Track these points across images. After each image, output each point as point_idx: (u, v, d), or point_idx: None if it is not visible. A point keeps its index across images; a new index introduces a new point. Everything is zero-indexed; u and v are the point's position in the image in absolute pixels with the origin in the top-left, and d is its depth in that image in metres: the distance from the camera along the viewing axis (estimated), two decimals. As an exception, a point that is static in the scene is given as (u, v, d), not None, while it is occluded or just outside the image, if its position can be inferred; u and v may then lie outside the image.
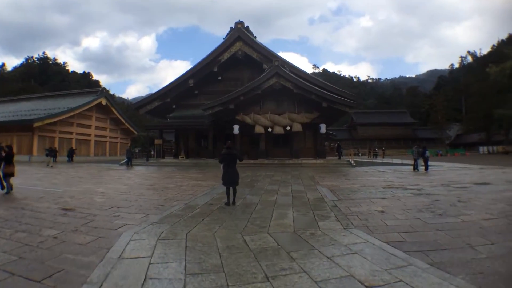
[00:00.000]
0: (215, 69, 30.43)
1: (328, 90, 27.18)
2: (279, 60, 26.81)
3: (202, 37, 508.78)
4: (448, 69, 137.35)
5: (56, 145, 34.86)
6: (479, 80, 66.93)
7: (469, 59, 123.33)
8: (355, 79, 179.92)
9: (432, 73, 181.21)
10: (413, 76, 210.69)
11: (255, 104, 27.90)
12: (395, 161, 31.32)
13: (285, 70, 26.43)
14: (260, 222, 6.40)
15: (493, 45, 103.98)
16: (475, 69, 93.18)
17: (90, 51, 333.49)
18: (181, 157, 29.96)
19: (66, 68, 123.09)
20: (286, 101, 28.13)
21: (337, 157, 31.04)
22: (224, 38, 31.08)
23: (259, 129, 27.26)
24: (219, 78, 31.73)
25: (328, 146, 41.65)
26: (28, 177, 15.58)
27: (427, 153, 21.45)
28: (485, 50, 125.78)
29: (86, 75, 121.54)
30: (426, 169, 20.33)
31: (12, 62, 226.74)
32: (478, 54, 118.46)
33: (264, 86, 26.33)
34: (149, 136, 38.45)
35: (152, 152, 35.82)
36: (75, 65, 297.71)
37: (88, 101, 39.75)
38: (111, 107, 44.02)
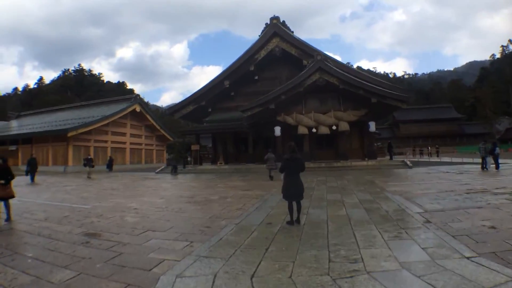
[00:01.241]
0: (252, 68, 28.63)
1: (375, 84, 24.74)
2: (321, 54, 24.63)
3: (233, 41, 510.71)
4: (489, 60, 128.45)
5: (92, 154, 34.32)
6: None
7: (511, 47, 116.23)
8: (390, 75, 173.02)
9: (472, 65, 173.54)
10: (451, 69, 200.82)
11: (297, 103, 25.83)
12: (454, 160, 28.34)
13: (328, 64, 24.25)
14: (346, 252, 4.47)
15: None
16: None
17: (124, 61, 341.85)
18: (220, 163, 28.31)
19: (101, 78, 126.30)
20: (330, 99, 25.90)
21: (389, 158, 28.36)
22: (259, 36, 29.31)
23: (302, 130, 25.16)
24: (256, 77, 29.88)
25: (375, 146, 38.70)
26: (58, 190, 14.38)
27: (497, 150, 18.80)
28: None
29: (121, 85, 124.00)
30: (497, 167, 17.80)
31: (50, 75, 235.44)
32: None
33: (307, 83, 24.23)
34: (185, 142, 37.16)
35: (189, 159, 34.51)
36: (110, 76, 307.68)
37: (122, 109, 39.00)
38: (145, 114, 43.17)
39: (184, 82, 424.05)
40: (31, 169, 18.84)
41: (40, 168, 30.33)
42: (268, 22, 28.72)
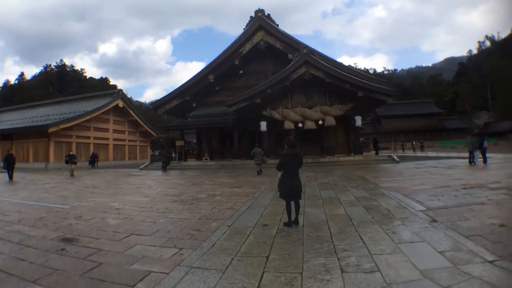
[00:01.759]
0: (236, 62, 28.05)
1: (361, 79, 24.48)
2: (307, 48, 24.20)
3: (217, 37, 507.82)
4: (466, 56, 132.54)
5: (74, 151, 33.31)
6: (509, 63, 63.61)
7: (487, 43, 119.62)
8: (371, 71, 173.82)
9: (449, 61, 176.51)
10: (430, 65, 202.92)
11: (283, 97, 25.43)
12: (440, 154, 28.49)
13: (314, 57, 23.87)
14: (357, 259, 4.07)
15: None
16: (495, 53, 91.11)
17: (106, 57, 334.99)
18: (205, 159, 27.65)
19: (84, 74, 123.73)
20: (317, 93, 25.56)
21: (375, 153, 28.23)
22: (244, 29, 28.75)
23: (288, 125, 24.77)
24: (241, 72, 29.37)
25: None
26: (37, 189, 13.64)
27: (485, 144, 18.93)
28: (504, 33, 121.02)
29: (104, 81, 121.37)
30: (485, 161, 17.94)
31: (32, 71, 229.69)
32: (496, 38, 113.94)
33: (293, 77, 23.81)
34: (169, 137, 36.33)
35: (173, 155, 33.81)
36: (93, 71, 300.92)
37: (104, 104, 37.92)
38: (128, 109, 42.12)
39: (167, 78, 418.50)
40: (8, 166, 17.93)
41: (20, 164, 29.38)
42: (253, 15, 28.17)
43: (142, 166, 27.91)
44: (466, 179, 11.43)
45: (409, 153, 35.38)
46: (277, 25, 28.81)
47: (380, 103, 26.19)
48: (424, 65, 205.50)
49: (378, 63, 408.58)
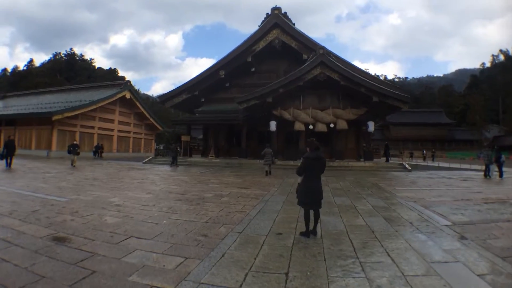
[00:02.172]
0: (249, 59, 27.35)
1: (376, 83, 23.77)
2: (323, 48, 23.48)
3: (228, 35, 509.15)
4: (479, 68, 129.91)
5: (77, 140, 32.86)
6: None
7: (501, 57, 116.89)
8: (381, 78, 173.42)
9: (461, 72, 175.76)
10: (441, 75, 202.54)
11: (295, 98, 24.74)
12: (452, 165, 27.71)
13: (331, 59, 23.17)
14: (390, 280, 3.50)
15: None
16: (508, 68, 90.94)
17: (117, 48, 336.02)
18: (211, 156, 27.03)
19: (93, 64, 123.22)
20: (329, 95, 24.86)
21: (385, 159, 27.43)
22: (259, 26, 28.07)
23: (299, 126, 24.09)
24: (253, 69, 28.68)
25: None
26: (35, 178, 13.05)
27: (503, 157, 18.21)
28: None
29: (112, 71, 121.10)
30: (501, 175, 17.24)
31: (41, 58, 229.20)
32: (511, 53, 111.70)
33: (307, 77, 23.11)
34: (175, 132, 35.74)
35: (178, 149, 33.24)
36: (102, 62, 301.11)
37: (111, 94, 37.32)
38: (135, 101, 41.54)
39: (177, 72, 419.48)
40: (8, 152, 17.28)
41: (22, 151, 28.92)
42: (269, 13, 27.50)
43: (146, 159, 27.30)
44: (486, 193, 10.82)
45: (419, 162, 34.60)
46: (293, 24, 28.08)
47: (394, 110, 25.44)
48: (435, 75, 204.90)
49: (389, 70, 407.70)
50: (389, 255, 4.33)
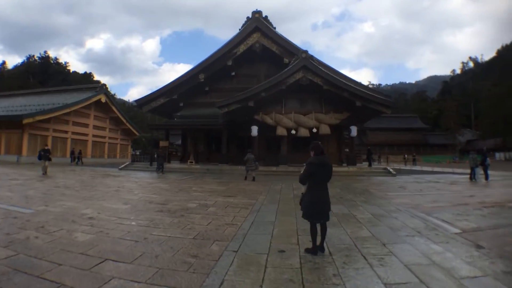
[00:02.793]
0: (229, 63, 26.64)
1: (358, 88, 23.49)
2: (306, 52, 23.02)
3: (206, 41, 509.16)
4: (449, 75, 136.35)
5: (50, 145, 31.26)
6: (497, 84, 66.34)
7: (471, 64, 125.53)
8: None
9: (432, 79, 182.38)
10: (413, 82, 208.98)
11: (277, 102, 24.16)
12: (435, 169, 27.92)
13: (313, 63, 22.74)
14: None
15: (498, 50, 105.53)
16: (478, 74, 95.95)
17: (93, 52, 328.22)
18: (190, 162, 26.05)
19: (68, 68, 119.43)
20: (311, 100, 24.43)
21: (368, 164, 27.13)
22: (240, 29, 27.45)
23: (281, 131, 23.51)
24: (233, 74, 28.03)
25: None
26: (0, 185, 11.91)
27: (488, 161, 18.26)
28: (487, 56, 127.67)
29: (88, 76, 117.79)
30: (487, 178, 17.38)
31: (15, 61, 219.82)
32: (479, 60, 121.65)
33: (289, 81, 22.58)
34: (153, 137, 34.48)
35: (156, 155, 32.09)
36: (77, 66, 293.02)
37: (86, 97, 35.79)
38: (111, 105, 40.09)
39: (153, 78, 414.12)
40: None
41: (-11, 156, 27.23)
42: (250, 16, 26.91)
43: (122, 166, 26.06)
44: (479, 197, 10.69)
45: (400, 166, 34.71)
46: (274, 28, 27.59)
47: (376, 114, 25.23)
48: (407, 82, 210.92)
49: (363, 77, 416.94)
50: (414, 274, 3.81)
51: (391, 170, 22.54)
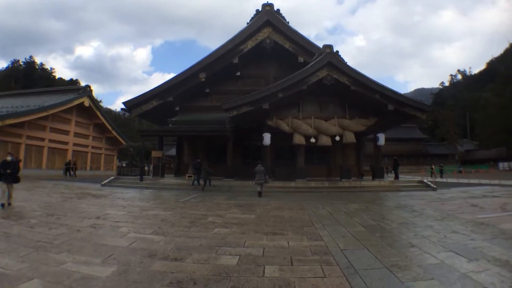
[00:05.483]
0: (235, 61, 22.82)
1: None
2: (330, 47, 19.35)
3: (198, 51, 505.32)
4: (436, 88, 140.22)
5: (22, 154, 26.86)
6: (499, 94, 66.22)
7: (459, 77, 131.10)
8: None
9: (419, 91, 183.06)
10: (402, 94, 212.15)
11: (293, 105, 20.41)
12: (471, 181, 24.99)
13: (340, 59, 19.17)
14: None
15: (488, 63, 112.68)
16: (470, 86, 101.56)
17: (82, 59, 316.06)
18: (189, 176, 21.71)
19: (53, 74, 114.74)
20: (333, 103, 20.82)
21: (394, 177, 23.29)
22: (247, 23, 23.79)
23: (299, 139, 19.69)
24: (238, 73, 24.22)
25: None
26: None
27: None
28: (475, 69, 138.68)
29: (74, 83, 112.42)
30: None
31: (0, 65, 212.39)
32: (468, 73, 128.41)
33: (312, 80, 18.84)
34: (143, 147, 30.10)
35: (146, 168, 27.85)
36: (65, 73, 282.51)
37: (66, 100, 31.51)
38: (95, 110, 35.74)
39: (143, 87, 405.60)
40: None
41: None
42: (259, 9, 23.32)
43: (106, 181, 21.47)
44: None
45: (422, 178, 31.36)
46: (288, 22, 23.96)
47: (406, 120, 22.01)
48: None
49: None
50: None
51: (429, 183, 19.02)
